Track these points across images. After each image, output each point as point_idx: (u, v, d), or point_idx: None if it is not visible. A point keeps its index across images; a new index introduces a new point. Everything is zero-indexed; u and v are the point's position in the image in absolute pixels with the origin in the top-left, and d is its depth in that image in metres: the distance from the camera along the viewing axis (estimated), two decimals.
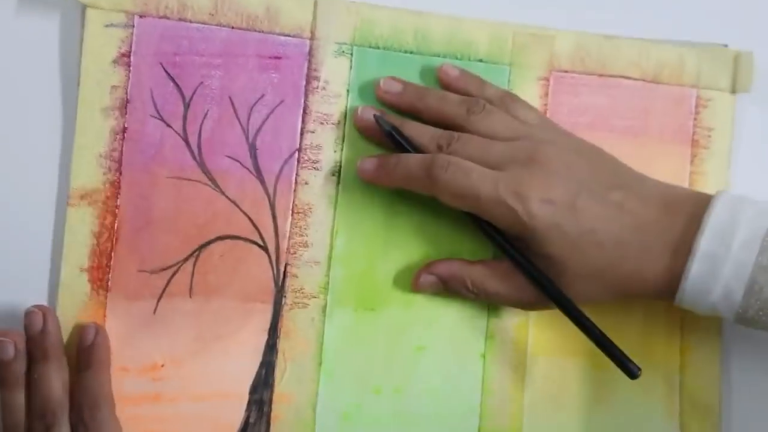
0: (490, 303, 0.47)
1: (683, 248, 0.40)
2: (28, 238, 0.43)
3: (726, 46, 0.50)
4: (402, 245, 0.47)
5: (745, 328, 0.42)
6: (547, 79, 0.49)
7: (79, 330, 0.43)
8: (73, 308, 0.43)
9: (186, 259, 0.44)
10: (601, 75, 0.49)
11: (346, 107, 0.46)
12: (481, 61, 0.48)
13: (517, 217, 0.41)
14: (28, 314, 0.41)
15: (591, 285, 0.42)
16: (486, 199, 0.41)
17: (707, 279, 0.40)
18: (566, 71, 0.49)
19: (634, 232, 0.41)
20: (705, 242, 0.39)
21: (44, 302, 0.43)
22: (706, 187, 0.50)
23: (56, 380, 0.41)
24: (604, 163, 0.44)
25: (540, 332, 0.48)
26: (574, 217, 0.41)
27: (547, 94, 0.48)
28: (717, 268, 0.39)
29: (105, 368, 0.43)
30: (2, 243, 0.43)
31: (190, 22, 0.44)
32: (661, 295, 0.42)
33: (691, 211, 0.41)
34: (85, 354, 0.42)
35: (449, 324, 0.47)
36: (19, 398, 0.41)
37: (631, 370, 0.41)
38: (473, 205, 0.42)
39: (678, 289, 0.41)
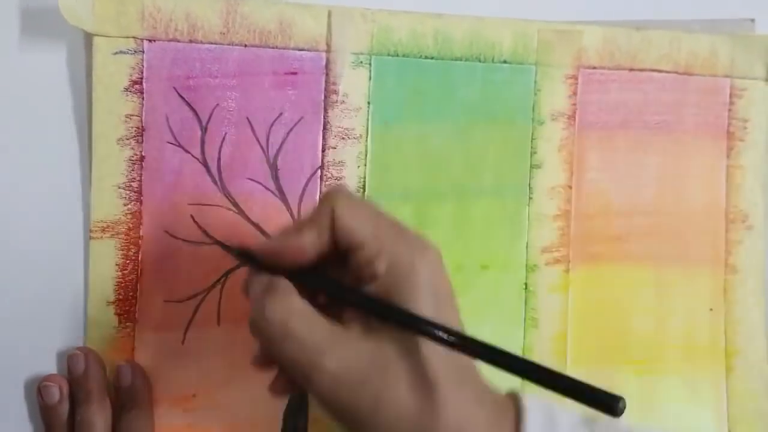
0: None
1: None
2: (59, 275, 0.42)
3: (753, 20, 0.48)
4: None
5: None
6: (575, 77, 0.46)
7: (116, 370, 0.42)
8: (101, 342, 0.42)
9: (212, 287, 0.43)
10: (631, 69, 0.47)
11: (368, 120, 0.45)
12: (505, 62, 0.46)
13: None
14: (71, 357, 0.41)
15: None
16: None
17: None
18: (595, 67, 0.47)
19: None
20: None
21: (81, 338, 0.42)
22: (744, 180, 0.48)
23: (99, 422, 0.41)
24: None
25: (579, 342, 0.46)
26: None
27: (575, 93, 0.46)
28: None
29: (147, 408, 0.42)
30: (35, 282, 0.42)
31: (201, 43, 0.43)
32: None
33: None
34: (125, 395, 0.42)
35: (483, 338, 0.46)
36: None
37: (612, 406, 0.28)
38: None
39: None
